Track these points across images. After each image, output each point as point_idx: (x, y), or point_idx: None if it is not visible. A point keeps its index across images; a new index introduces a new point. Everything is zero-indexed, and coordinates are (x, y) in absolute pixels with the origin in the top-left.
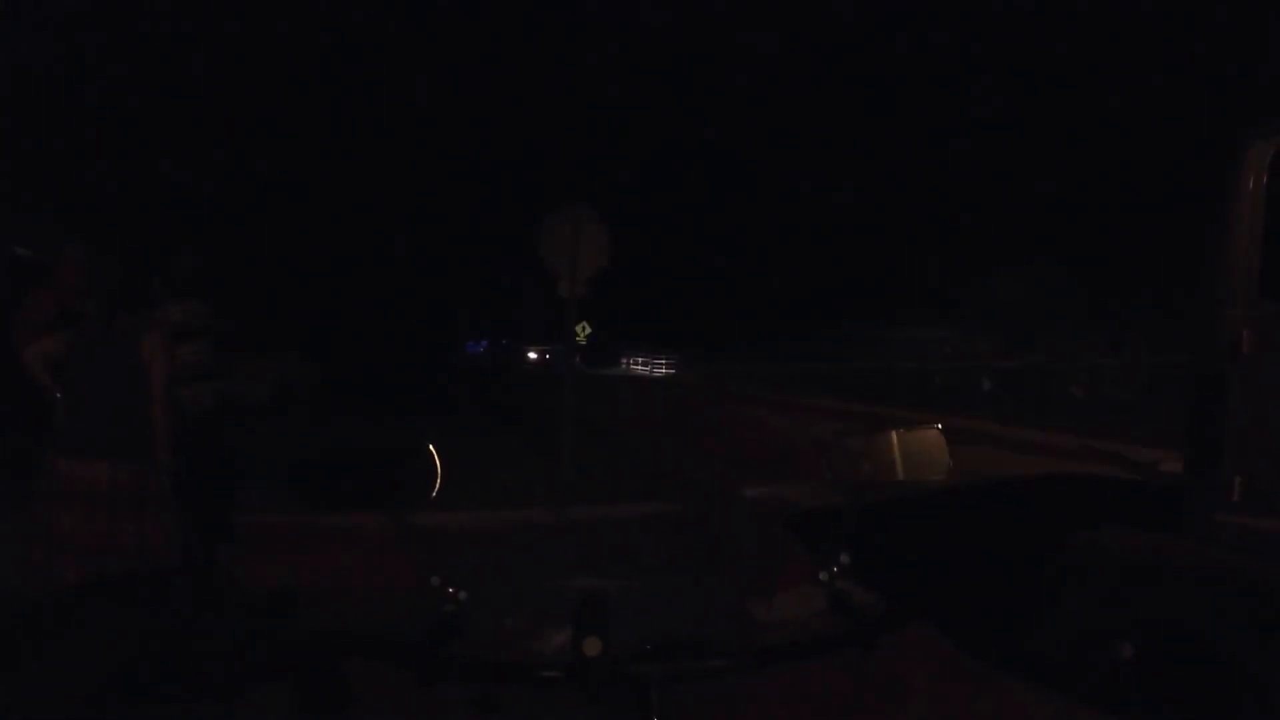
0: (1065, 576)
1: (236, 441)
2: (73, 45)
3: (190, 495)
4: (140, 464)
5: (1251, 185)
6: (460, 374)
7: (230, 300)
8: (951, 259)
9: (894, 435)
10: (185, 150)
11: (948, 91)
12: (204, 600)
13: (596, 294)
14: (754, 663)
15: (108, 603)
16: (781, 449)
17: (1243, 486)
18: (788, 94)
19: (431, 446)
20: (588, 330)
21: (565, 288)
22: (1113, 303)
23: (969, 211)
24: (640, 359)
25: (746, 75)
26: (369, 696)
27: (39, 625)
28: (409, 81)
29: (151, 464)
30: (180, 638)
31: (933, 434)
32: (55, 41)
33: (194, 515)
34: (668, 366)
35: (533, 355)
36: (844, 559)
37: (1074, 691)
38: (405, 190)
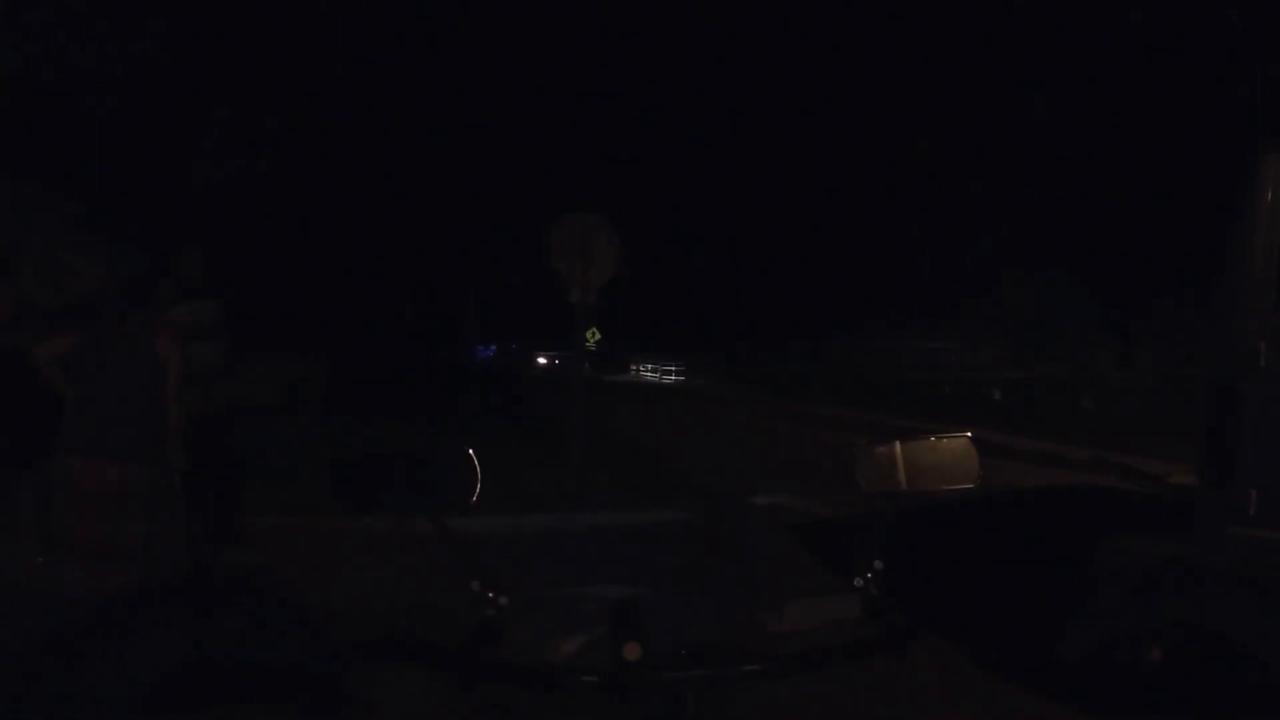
0: (1092, 582)
1: (245, 442)
2: (81, 43)
3: (199, 496)
4: (151, 465)
5: (1268, 198)
6: (469, 378)
7: (239, 300)
8: (961, 269)
9: (925, 443)
10: (194, 150)
11: (959, 101)
12: (249, 609)
13: (606, 300)
14: (790, 668)
15: (155, 611)
16: (791, 457)
17: (1258, 499)
18: (798, 102)
19: (470, 450)
20: (597, 336)
21: (576, 295)
22: (1123, 314)
23: (979, 221)
24: (649, 365)
25: (756, 81)
26: (398, 701)
27: (90, 633)
28: (422, 84)
29: (162, 465)
30: (225, 647)
31: (964, 442)
32: (63, 39)
33: (203, 517)
34: (677, 373)
35: (542, 361)
36: (878, 565)
37: (1092, 703)
38: (416, 193)
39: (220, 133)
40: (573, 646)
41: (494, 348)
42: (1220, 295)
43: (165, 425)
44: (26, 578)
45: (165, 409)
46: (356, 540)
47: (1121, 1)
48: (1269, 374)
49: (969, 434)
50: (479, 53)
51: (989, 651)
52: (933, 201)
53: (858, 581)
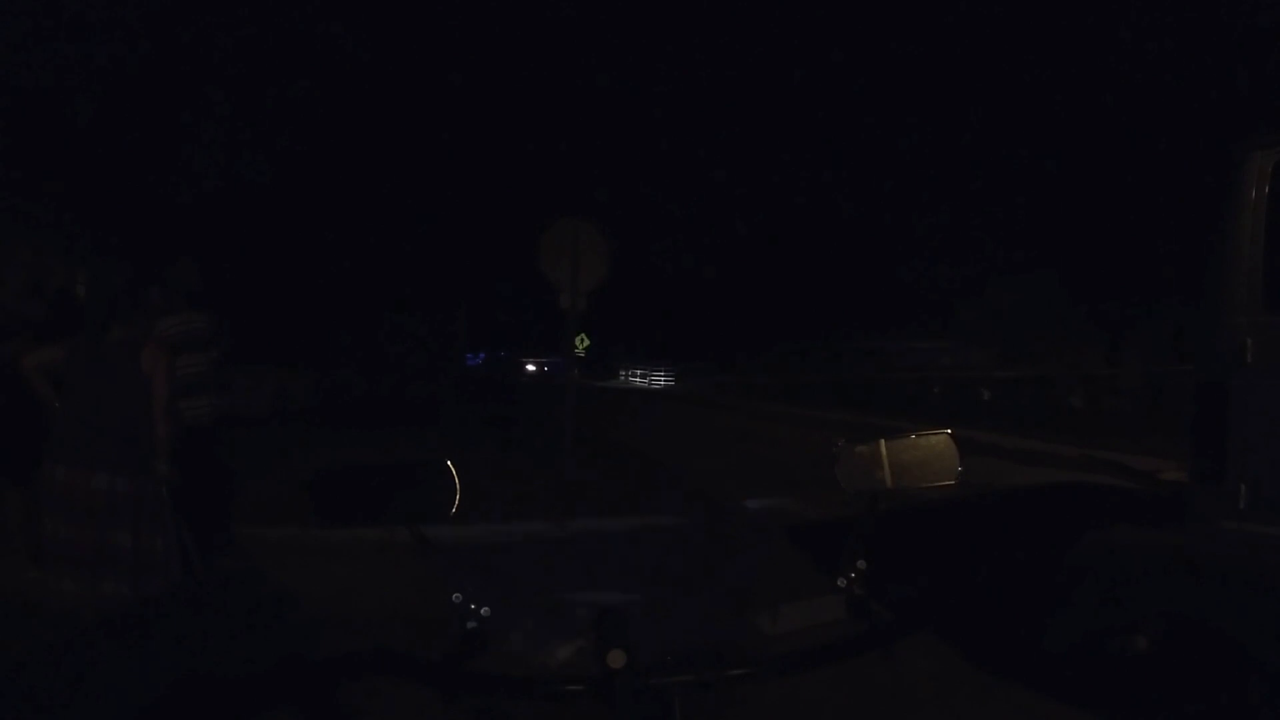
0: (1078, 574)
1: (235, 453)
2: (71, 50)
3: (188, 508)
4: (139, 476)
5: (1253, 196)
6: (458, 386)
7: (228, 310)
8: (949, 270)
9: (905, 441)
10: (184, 160)
11: (946, 102)
12: (238, 620)
13: (595, 305)
14: (776, 670)
15: (145, 622)
16: (782, 461)
17: (1248, 494)
18: (786, 104)
19: (450, 463)
20: (586, 342)
21: (566, 300)
22: (1110, 313)
23: (967, 222)
24: (639, 371)
25: (743, 85)
26: (387, 714)
27: (79, 644)
28: (409, 92)
29: (150, 476)
30: (214, 658)
31: (943, 439)
32: (53, 46)
33: (192, 528)
34: (667, 378)
35: (531, 367)
36: (861, 565)
37: (1080, 696)
38: (404, 200)
39: (209, 142)
40: (558, 655)
41: (483, 355)
42: (1208, 293)
43: (153, 437)
44: (16, 589)
45: (153, 421)
46: (345, 551)
47: (1106, 5)
48: (1257, 370)
49: (949, 431)
50: (465, 58)
51: (979, 647)
52: (921, 203)
53: (841, 582)
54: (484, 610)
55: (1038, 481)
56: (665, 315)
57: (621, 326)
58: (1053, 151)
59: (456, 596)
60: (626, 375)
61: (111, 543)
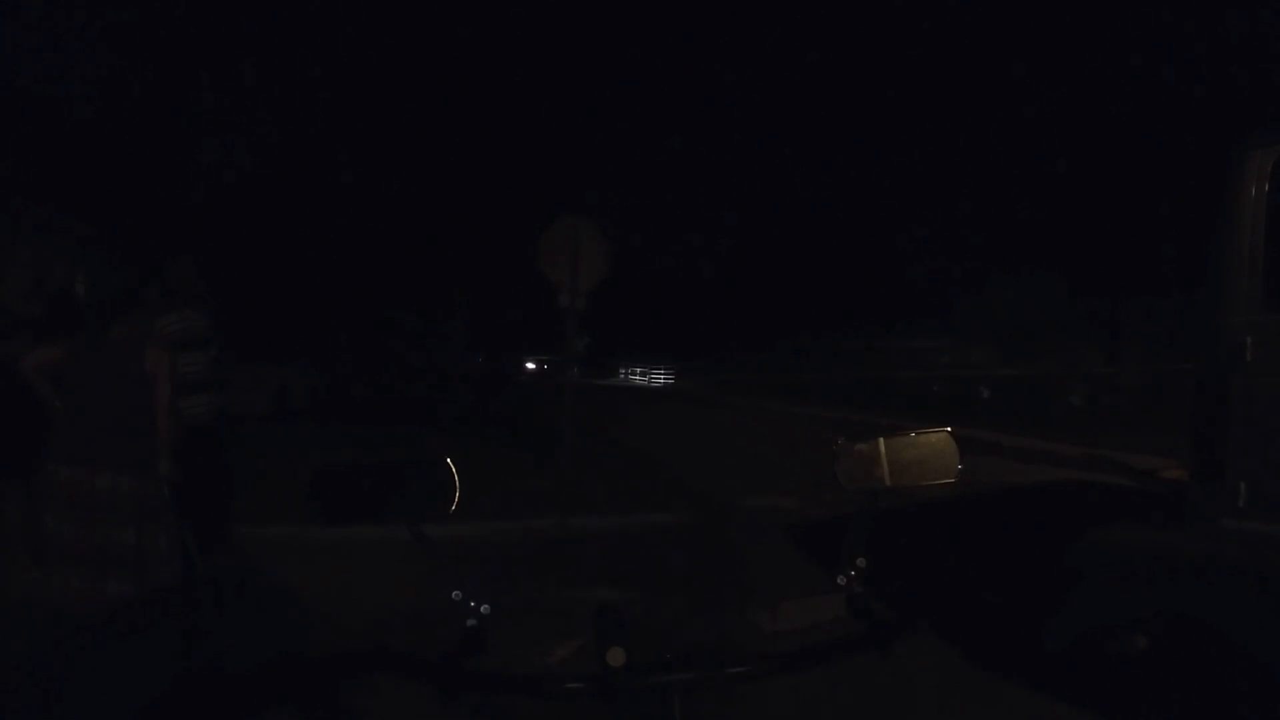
0: (1078, 573)
1: (235, 452)
2: (72, 51)
3: (189, 506)
4: (141, 474)
5: (1253, 194)
6: (457, 383)
7: (228, 308)
8: (949, 269)
9: (904, 439)
10: (185, 160)
11: (945, 100)
12: (237, 619)
13: (594, 304)
14: (775, 669)
15: (146, 621)
16: (782, 459)
17: (1247, 492)
18: (785, 102)
19: (450, 462)
20: (585, 340)
21: (565, 298)
22: (1110, 312)
23: (966, 221)
24: (639, 369)
25: (743, 83)
26: (386, 712)
27: (80, 643)
28: (408, 93)
29: (152, 474)
30: (206, 662)
31: (943, 437)
32: (52, 45)
33: (193, 526)
34: (666, 377)
35: (530, 365)
36: (861, 563)
37: (1080, 696)
38: (404, 199)
39: (211, 142)
40: (558, 654)
41: (482, 354)
42: (1207, 292)
43: (155, 435)
44: (17, 588)
45: (155, 419)
46: (345, 550)
47: (1105, 5)
48: (1256, 368)
49: (948, 429)
50: (466, 58)
51: (979, 647)
52: (921, 202)
53: (841, 580)
54: (484, 608)
55: (1037, 480)
56: (664, 314)
57: (621, 325)
58: (1053, 150)
59: (456, 595)
60: (626, 374)
61: (115, 541)
